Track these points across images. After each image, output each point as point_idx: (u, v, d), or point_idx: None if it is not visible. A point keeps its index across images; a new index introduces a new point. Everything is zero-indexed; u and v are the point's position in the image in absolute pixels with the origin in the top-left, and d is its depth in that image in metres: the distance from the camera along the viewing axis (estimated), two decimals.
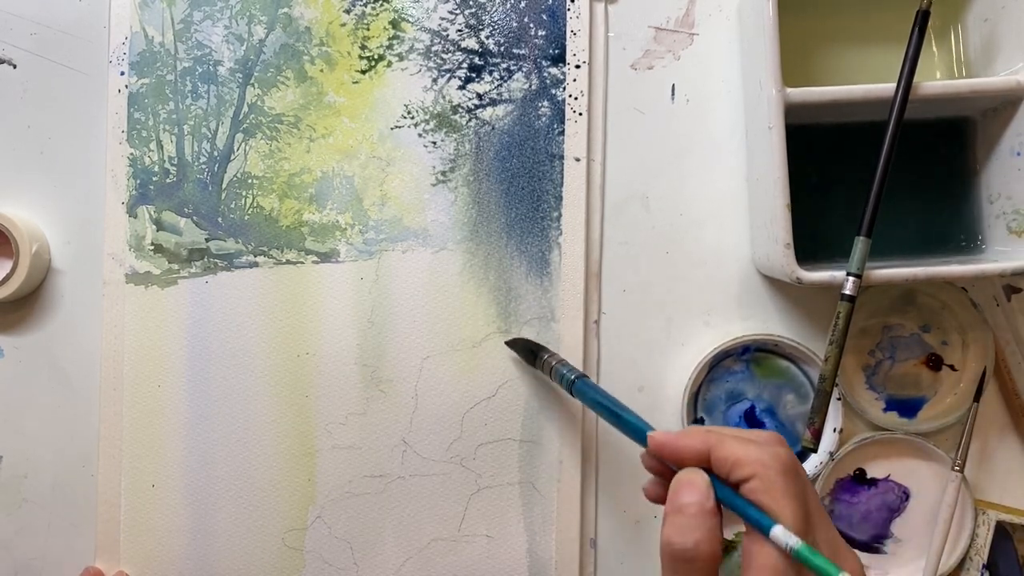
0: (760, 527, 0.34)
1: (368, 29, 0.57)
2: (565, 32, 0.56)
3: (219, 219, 0.56)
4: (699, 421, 0.55)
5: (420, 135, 0.57)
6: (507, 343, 0.55)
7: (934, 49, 0.56)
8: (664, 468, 0.39)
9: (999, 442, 0.56)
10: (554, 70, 0.56)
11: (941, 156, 0.55)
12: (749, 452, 0.35)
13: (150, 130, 0.57)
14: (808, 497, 0.35)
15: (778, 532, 0.34)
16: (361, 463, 0.56)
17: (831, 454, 0.53)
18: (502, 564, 0.55)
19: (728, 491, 0.36)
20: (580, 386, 0.48)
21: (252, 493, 0.56)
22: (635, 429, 0.43)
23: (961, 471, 0.53)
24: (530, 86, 0.56)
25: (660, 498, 0.38)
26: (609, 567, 0.56)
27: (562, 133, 0.56)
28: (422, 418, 0.56)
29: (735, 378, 0.55)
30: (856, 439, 0.54)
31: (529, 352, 0.53)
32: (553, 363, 0.51)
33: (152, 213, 0.57)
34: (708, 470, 0.36)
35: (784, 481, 0.34)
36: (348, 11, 0.57)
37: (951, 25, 0.55)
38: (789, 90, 0.49)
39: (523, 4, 0.57)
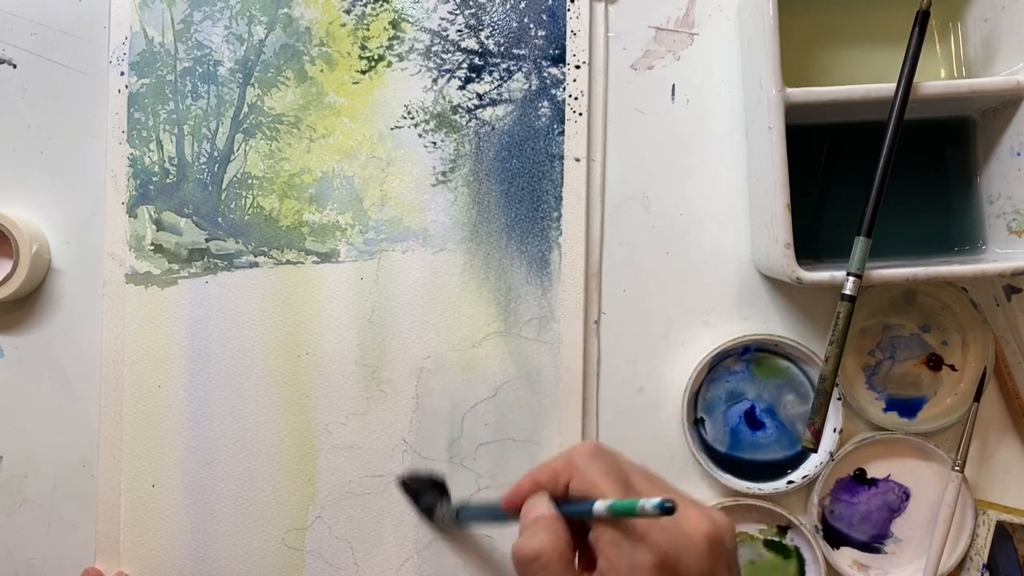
0: (587, 514, 0.37)
1: (368, 29, 0.57)
2: (565, 32, 0.56)
3: (219, 219, 0.57)
4: (699, 421, 0.55)
5: (420, 135, 0.57)
6: (400, 484, 0.55)
7: (935, 49, 0.56)
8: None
9: (999, 442, 0.56)
10: (554, 70, 0.56)
11: (941, 156, 0.55)
12: (558, 460, 0.40)
13: (150, 130, 0.57)
14: (623, 467, 0.39)
15: (596, 507, 0.36)
16: (361, 463, 0.56)
17: (831, 454, 0.53)
18: (502, 564, 0.55)
19: (564, 505, 0.39)
20: (463, 514, 0.51)
21: (252, 493, 0.56)
22: (498, 511, 0.44)
23: (961, 471, 0.53)
24: (530, 86, 0.56)
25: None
26: None
27: (562, 133, 0.56)
28: (422, 418, 0.56)
29: (735, 378, 0.55)
30: (856, 439, 0.54)
31: (416, 502, 0.54)
32: (441, 514, 0.52)
33: (152, 213, 0.57)
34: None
35: (591, 463, 0.38)
36: (348, 11, 0.57)
37: (951, 25, 0.55)
38: (789, 90, 0.49)
39: (523, 4, 0.57)
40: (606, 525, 0.36)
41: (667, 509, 0.33)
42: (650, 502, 0.34)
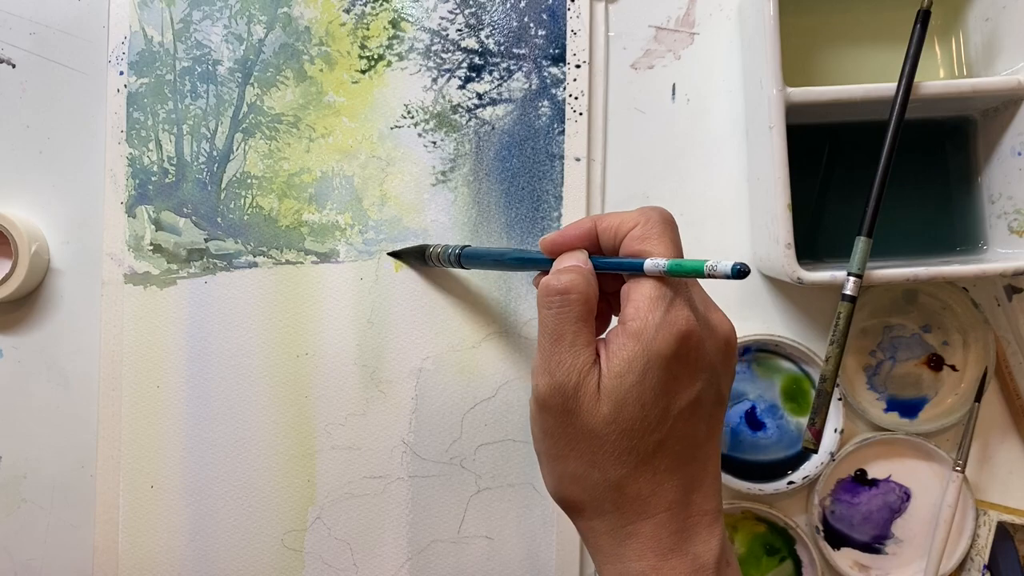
0: (636, 268, 0.37)
1: (368, 29, 0.57)
2: (565, 32, 0.56)
3: (218, 219, 0.56)
4: None
5: (420, 135, 0.56)
6: (391, 254, 0.55)
7: (935, 49, 0.56)
8: None
9: (1000, 442, 0.56)
10: (554, 70, 0.56)
11: (942, 156, 0.55)
12: (631, 213, 0.39)
13: (149, 130, 0.57)
14: (679, 246, 0.39)
15: (648, 264, 0.36)
16: (361, 464, 0.56)
17: (832, 454, 0.53)
18: (502, 566, 0.55)
19: (608, 259, 0.39)
20: (466, 254, 0.49)
21: (251, 494, 0.56)
22: (529, 257, 0.44)
23: (962, 471, 0.53)
24: (530, 86, 0.56)
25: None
26: None
27: (562, 133, 0.56)
28: (422, 418, 0.56)
29: (735, 378, 0.55)
30: (857, 439, 0.54)
31: (418, 257, 0.54)
32: (437, 251, 0.51)
33: (151, 213, 0.57)
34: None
35: (662, 228, 0.38)
36: (348, 11, 0.57)
37: (952, 25, 0.55)
38: (790, 90, 0.49)
39: (523, 4, 0.57)
40: (648, 281, 0.36)
41: (741, 272, 0.32)
42: (722, 263, 0.33)
